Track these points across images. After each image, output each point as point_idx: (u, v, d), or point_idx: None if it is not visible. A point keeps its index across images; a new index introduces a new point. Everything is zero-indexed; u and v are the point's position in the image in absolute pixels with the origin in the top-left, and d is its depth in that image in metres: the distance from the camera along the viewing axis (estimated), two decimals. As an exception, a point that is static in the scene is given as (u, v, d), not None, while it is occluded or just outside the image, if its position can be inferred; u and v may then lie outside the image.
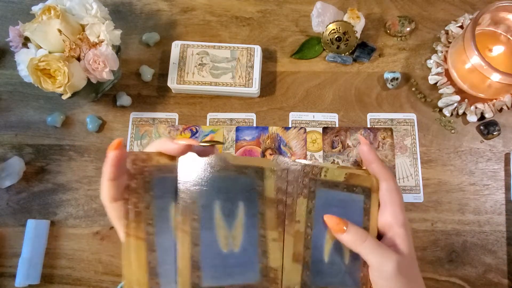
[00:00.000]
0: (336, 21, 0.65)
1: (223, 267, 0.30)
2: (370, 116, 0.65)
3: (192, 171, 0.31)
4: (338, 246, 0.34)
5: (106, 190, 0.31)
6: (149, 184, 0.30)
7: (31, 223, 0.59)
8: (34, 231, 0.59)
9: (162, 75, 0.67)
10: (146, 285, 0.29)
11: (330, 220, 0.33)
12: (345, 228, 0.33)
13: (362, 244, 0.32)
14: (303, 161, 0.33)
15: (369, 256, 0.32)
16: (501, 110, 0.64)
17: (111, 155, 0.31)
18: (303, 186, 0.33)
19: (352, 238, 0.33)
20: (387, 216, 0.34)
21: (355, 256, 0.34)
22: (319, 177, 0.33)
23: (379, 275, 0.32)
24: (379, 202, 0.36)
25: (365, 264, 0.34)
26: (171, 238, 0.30)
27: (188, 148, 0.31)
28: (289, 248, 0.32)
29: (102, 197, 0.31)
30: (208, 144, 0.32)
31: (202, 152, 0.32)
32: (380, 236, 0.35)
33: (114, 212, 0.31)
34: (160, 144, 0.32)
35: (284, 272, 0.31)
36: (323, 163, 0.32)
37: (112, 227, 0.60)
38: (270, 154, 0.64)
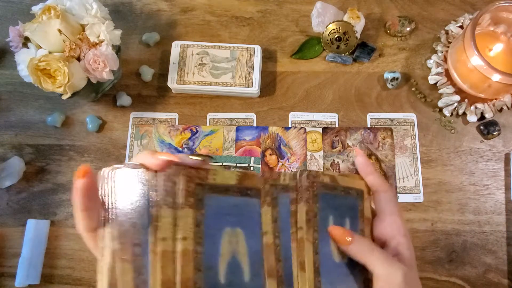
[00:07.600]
0: (336, 21, 0.65)
1: (337, 275, 0.33)
2: (370, 116, 0.65)
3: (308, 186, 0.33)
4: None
5: (80, 221, 0.30)
6: (317, 197, 0.33)
7: (31, 223, 0.59)
8: (34, 231, 0.59)
9: (162, 75, 0.67)
10: (312, 282, 0.31)
11: (335, 230, 0.33)
12: (349, 239, 0.32)
13: (370, 256, 0.32)
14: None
15: (378, 268, 0.32)
16: (501, 110, 0.64)
17: (79, 184, 0.29)
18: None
19: (359, 249, 0.32)
20: (388, 226, 0.35)
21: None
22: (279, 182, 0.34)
23: (386, 286, 0.32)
24: (372, 209, 0.36)
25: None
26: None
27: (169, 164, 0.29)
28: None
29: (77, 228, 0.30)
30: (198, 158, 0.31)
31: (193, 166, 0.31)
32: (381, 246, 0.35)
33: (91, 241, 0.30)
34: (141, 157, 0.30)
35: None
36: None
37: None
38: (270, 154, 0.64)
